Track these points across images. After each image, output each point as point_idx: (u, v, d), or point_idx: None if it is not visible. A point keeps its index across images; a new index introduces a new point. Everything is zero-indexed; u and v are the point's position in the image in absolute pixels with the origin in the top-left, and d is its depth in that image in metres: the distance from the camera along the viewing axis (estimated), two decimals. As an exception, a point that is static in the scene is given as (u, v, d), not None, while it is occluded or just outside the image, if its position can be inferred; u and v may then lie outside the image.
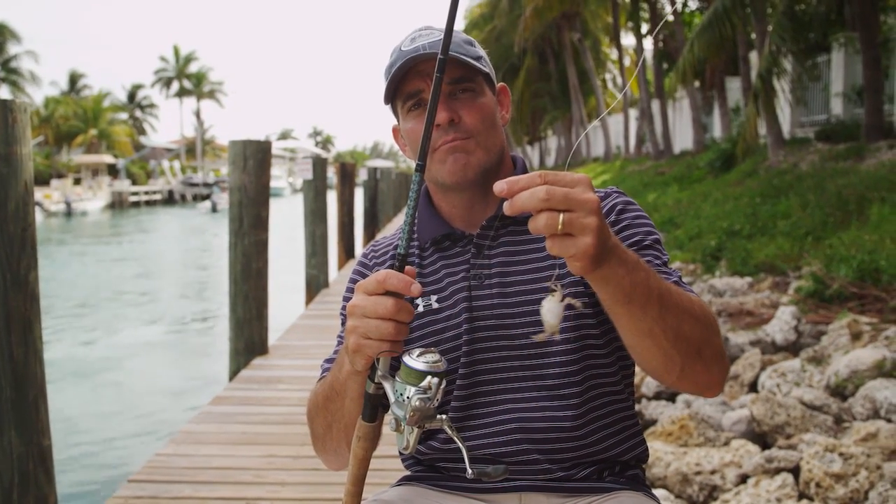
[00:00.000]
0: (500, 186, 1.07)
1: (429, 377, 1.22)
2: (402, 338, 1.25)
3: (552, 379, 1.48)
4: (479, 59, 1.54)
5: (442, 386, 1.23)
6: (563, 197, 1.04)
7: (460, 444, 1.29)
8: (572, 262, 1.08)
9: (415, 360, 1.23)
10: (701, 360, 1.30)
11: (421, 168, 1.22)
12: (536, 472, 1.50)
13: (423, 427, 1.24)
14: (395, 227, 1.76)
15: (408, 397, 1.22)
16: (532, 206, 1.05)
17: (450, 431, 1.28)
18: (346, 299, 1.65)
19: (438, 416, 1.26)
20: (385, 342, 1.24)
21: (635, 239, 1.50)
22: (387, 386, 1.27)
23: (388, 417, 1.28)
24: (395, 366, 1.27)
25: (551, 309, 1.16)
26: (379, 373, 1.29)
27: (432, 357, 1.24)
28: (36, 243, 3.11)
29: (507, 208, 1.07)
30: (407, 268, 1.24)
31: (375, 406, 1.33)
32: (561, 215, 1.04)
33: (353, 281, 1.66)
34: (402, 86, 1.53)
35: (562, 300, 1.16)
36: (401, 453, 1.37)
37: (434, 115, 1.23)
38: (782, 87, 12.79)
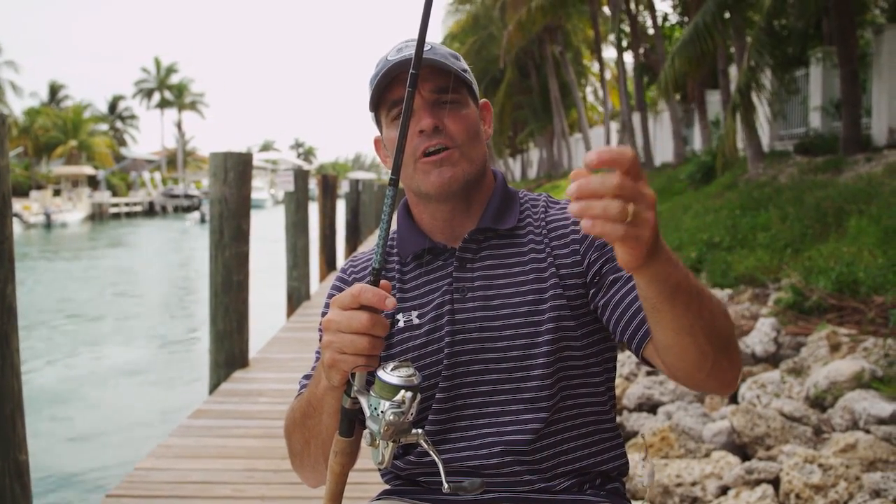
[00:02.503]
0: (591, 156, 1.03)
1: (402, 391, 1.22)
2: (378, 352, 1.25)
3: (532, 392, 1.49)
4: (464, 71, 1.55)
5: (416, 400, 1.23)
6: (633, 189, 1.03)
7: (436, 458, 1.29)
8: (628, 253, 1.07)
9: (388, 374, 1.23)
10: (727, 356, 1.31)
11: (394, 182, 1.23)
12: (518, 484, 1.50)
13: (398, 441, 1.24)
14: (376, 240, 1.75)
15: (382, 411, 1.22)
16: (603, 192, 1.03)
17: (426, 446, 1.28)
18: (325, 314, 1.65)
19: (414, 431, 1.26)
20: (360, 357, 1.24)
21: None
22: (363, 401, 1.27)
23: (365, 432, 1.28)
24: (372, 380, 1.27)
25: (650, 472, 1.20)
26: (355, 388, 1.28)
27: (406, 371, 1.24)
28: (14, 256, 3.09)
29: (576, 186, 1.03)
30: (382, 282, 1.25)
31: (352, 421, 1.33)
32: (630, 205, 1.03)
33: (332, 296, 1.65)
34: (387, 94, 1.53)
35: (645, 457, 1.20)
36: (379, 468, 1.36)
37: (407, 130, 1.25)
38: (761, 100, 12.90)
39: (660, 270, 1.14)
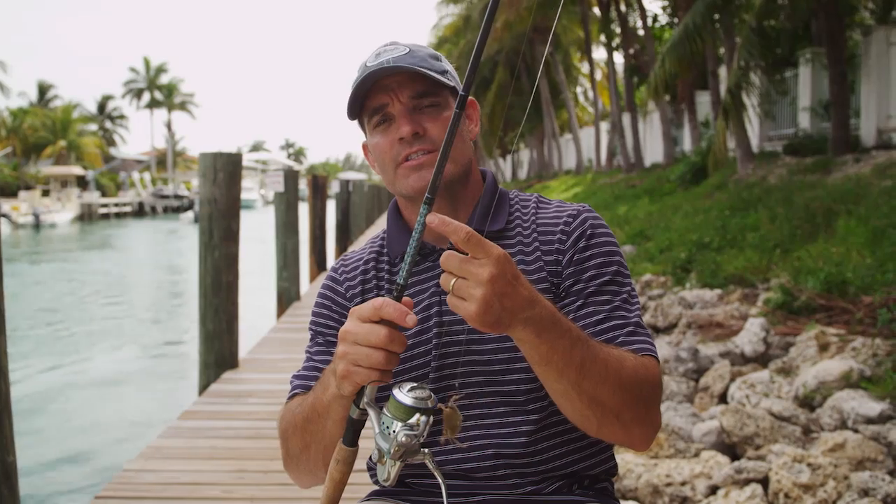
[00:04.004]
0: (432, 218, 1.16)
1: (417, 414, 1.21)
2: (393, 367, 1.24)
3: (519, 395, 1.48)
4: (444, 73, 1.53)
5: (430, 423, 1.22)
6: (457, 265, 1.17)
7: (440, 480, 1.29)
8: (467, 321, 1.19)
9: (404, 395, 1.22)
10: (619, 423, 1.35)
11: (430, 201, 1.21)
12: (507, 487, 1.50)
13: (405, 461, 1.23)
14: (366, 240, 1.75)
15: (394, 431, 1.21)
16: (441, 262, 1.19)
17: (431, 466, 1.27)
18: (315, 314, 1.64)
19: (422, 450, 1.25)
20: (374, 371, 1.23)
21: (595, 272, 1.50)
22: (372, 414, 1.26)
23: (373, 448, 1.27)
24: (382, 394, 1.26)
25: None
26: (365, 399, 1.28)
27: (422, 393, 1.23)
28: (1, 257, 3.07)
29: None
30: (404, 298, 1.24)
31: (357, 431, 1.33)
32: (453, 280, 1.17)
33: (323, 295, 1.65)
34: (368, 101, 1.53)
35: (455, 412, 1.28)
36: (376, 480, 1.35)
37: (448, 152, 1.22)
38: (751, 101, 12.95)
39: (522, 339, 1.24)
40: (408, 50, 1.51)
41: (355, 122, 1.60)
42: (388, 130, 1.51)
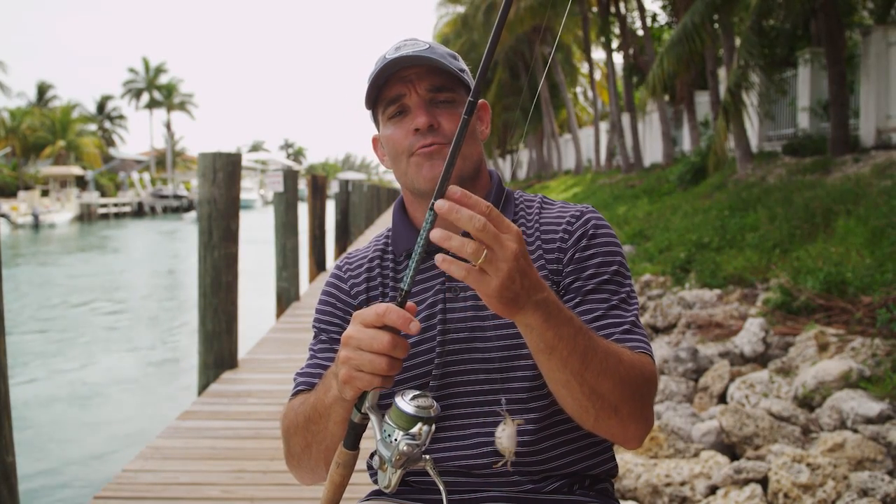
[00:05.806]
0: (454, 189, 1.12)
1: (419, 423, 1.20)
2: (395, 373, 1.24)
3: (520, 393, 1.49)
4: (461, 71, 1.55)
5: (431, 432, 1.22)
6: (493, 235, 1.12)
7: (440, 486, 1.28)
8: (483, 299, 1.16)
9: (407, 404, 1.21)
10: (616, 417, 1.35)
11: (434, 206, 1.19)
12: (507, 485, 1.50)
13: (407, 468, 1.23)
14: (367, 240, 1.74)
15: (395, 439, 1.20)
16: (467, 227, 1.12)
17: (432, 473, 1.27)
18: (319, 311, 1.64)
19: (423, 457, 1.24)
20: (377, 377, 1.23)
21: (595, 270, 1.50)
22: (373, 419, 1.26)
23: (375, 455, 1.26)
24: (384, 399, 1.26)
25: (510, 435, 1.27)
26: (367, 404, 1.27)
27: (425, 401, 1.22)
28: (0, 256, 3.07)
29: (443, 211, 1.12)
30: (408, 304, 1.23)
31: (359, 435, 1.33)
32: (485, 250, 1.11)
33: (326, 293, 1.65)
34: (384, 91, 1.53)
35: (513, 424, 1.27)
36: (376, 480, 1.35)
37: (456, 156, 1.20)
38: (751, 101, 12.95)
39: (532, 324, 1.21)
40: (428, 46, 1.52)
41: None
42: (403, 121, 1.51)
